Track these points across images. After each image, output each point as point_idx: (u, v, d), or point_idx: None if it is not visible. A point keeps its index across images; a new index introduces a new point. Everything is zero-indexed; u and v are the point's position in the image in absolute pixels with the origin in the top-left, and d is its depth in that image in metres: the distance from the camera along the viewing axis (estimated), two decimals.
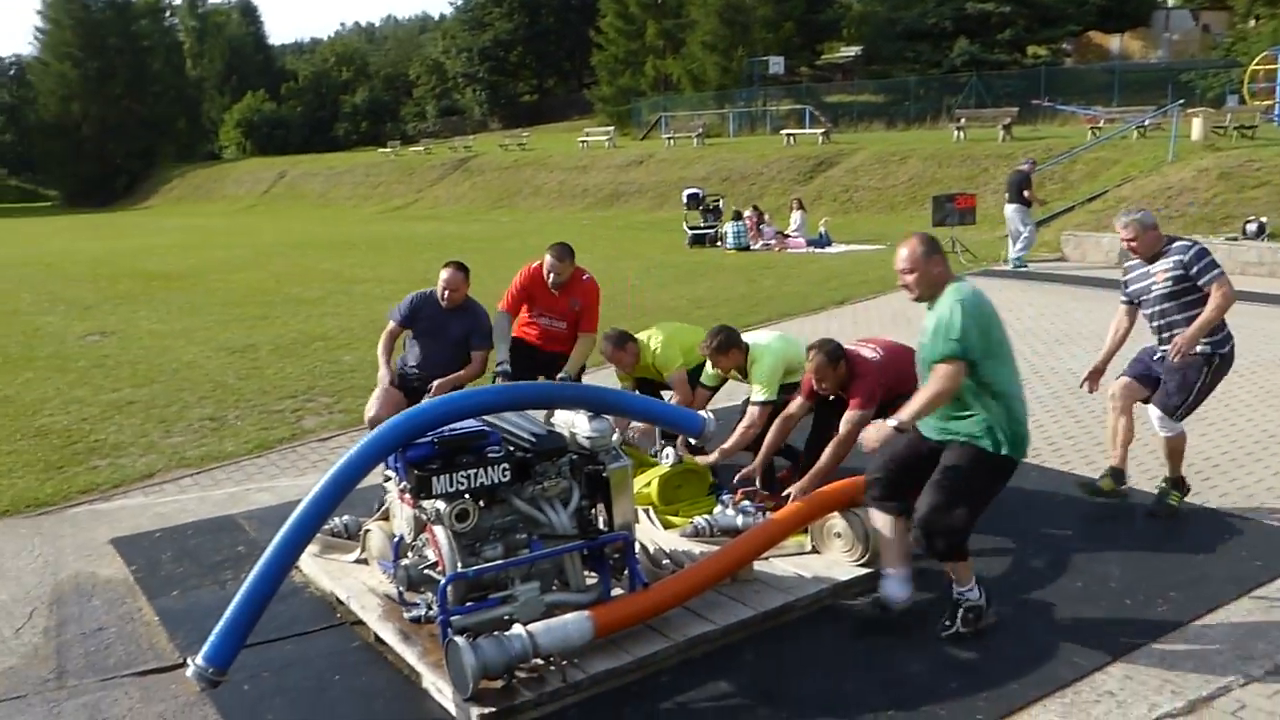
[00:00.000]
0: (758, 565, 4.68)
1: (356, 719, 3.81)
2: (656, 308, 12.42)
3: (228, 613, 3.80)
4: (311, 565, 4.95)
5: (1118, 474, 5.50)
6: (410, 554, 4.29)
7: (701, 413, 4.81)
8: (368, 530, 4.83)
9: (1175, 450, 5.32)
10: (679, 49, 48.16)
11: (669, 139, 36.66)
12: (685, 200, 21.78)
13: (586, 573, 4.32)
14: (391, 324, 6.20)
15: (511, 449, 4.16)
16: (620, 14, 51.06)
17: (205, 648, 3.74)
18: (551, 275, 6.18)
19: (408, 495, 4.14)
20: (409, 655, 4.07)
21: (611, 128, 42.45)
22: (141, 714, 3.84)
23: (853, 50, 53.02)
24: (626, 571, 4.30)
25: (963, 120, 28.36)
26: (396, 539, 4.39)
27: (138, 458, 7.08)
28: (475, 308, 6.19)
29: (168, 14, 77.32)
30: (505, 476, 4.05)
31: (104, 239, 30.86)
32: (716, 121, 40.95)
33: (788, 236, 19.87)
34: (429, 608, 4.20)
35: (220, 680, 3.74)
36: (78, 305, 14.94)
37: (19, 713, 3.87)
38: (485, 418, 4.36)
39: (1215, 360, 5.18)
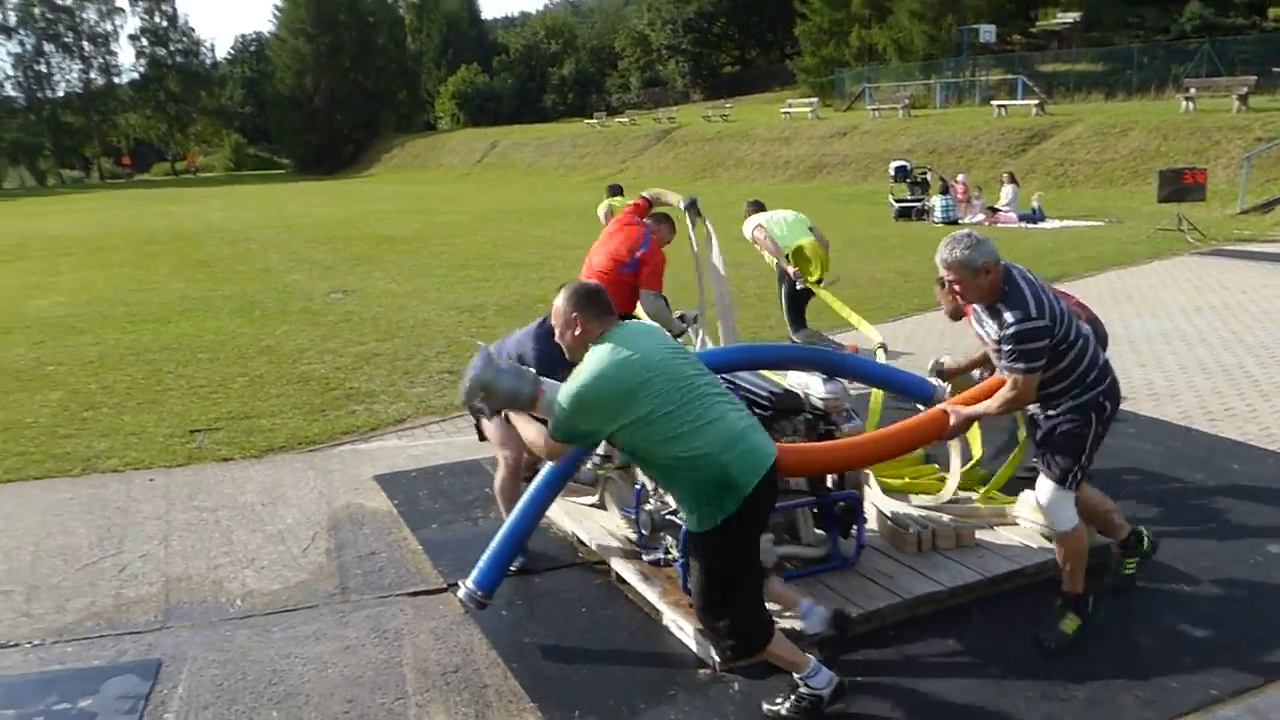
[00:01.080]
0: (982, 534, 4.78)
1: (603, 646, 4.16)
2: (866, 280, 12.42)
3: (493, 543, 4.25)
4: (553, 507, 5.35)
5: (1130, 544, 4.29)
6: (652, 500, 4.61)
7: (933, 380, 4.91)
8: (608, 477, 5.18)
9: (1074, 552, 3.98)
10: (885, 18, 46.90)
11: (874, 110, 35.96)
12: (892, 173, 21.42)
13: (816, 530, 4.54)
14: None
15: (751, 406, 4.40)
16: None
17: (474, 574, 4.20)
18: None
19: None
20: (649, 594, 4.39)
21: (815, 99, 42.00)
22: (415, 628, 4.31)
23: (1071, 16, 50.27)
24: (854, 529, 4.49)
25: (1192, 90, 26.48)
26: (639, 486, 4.73)
27: (388, 404, 7.76)
28: None
29: None
30: None
31: (333, 204, 33.05)
32: (922, 93, 39.83)
33: (998, 211, 19.30)
34: (668, 551, 4.54)
35: (486, 603, 4.20)
36: (319, 265, 16.20)
37: (314, 619, 4.43)
38: (727, 375, 4.63)
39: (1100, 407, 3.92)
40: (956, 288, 3.77)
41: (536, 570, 4.81)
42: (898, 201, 20.66)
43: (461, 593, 4.21)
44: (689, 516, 3.37)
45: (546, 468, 4.27)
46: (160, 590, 4.71)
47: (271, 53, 78.64)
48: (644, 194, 6.77)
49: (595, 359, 3.28)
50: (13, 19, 78.53)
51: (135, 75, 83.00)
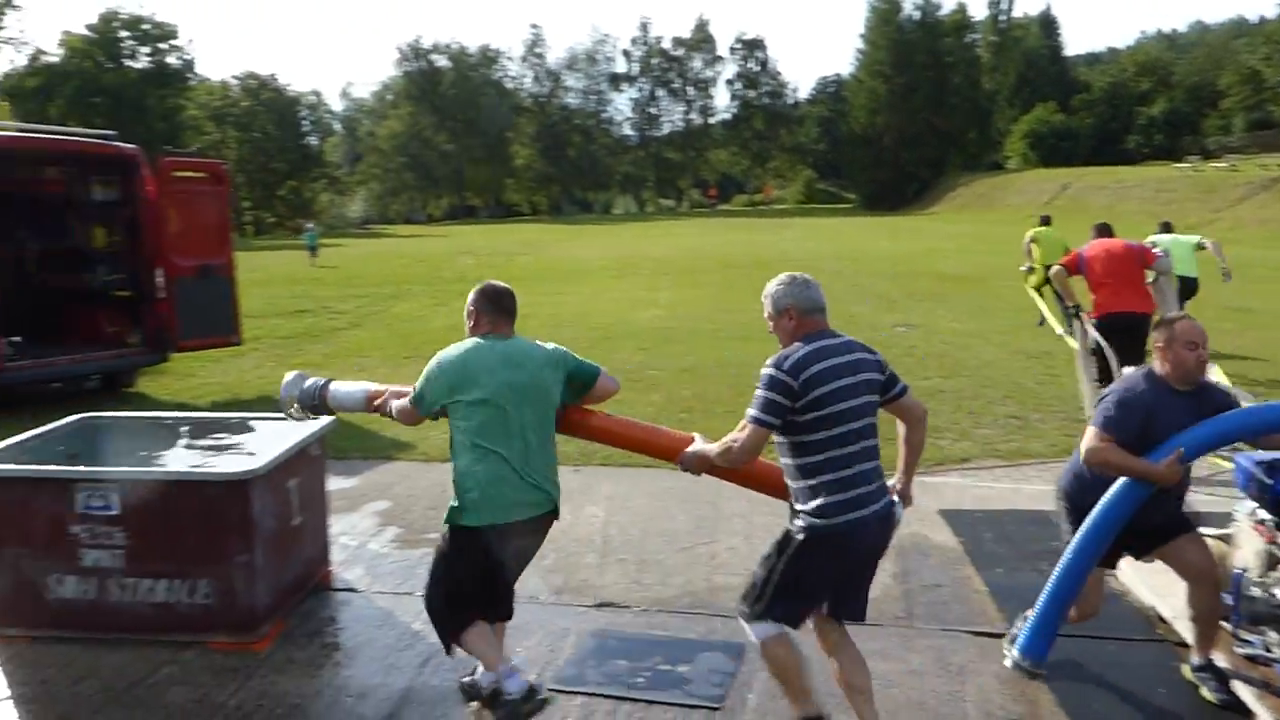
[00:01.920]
0: None
1: None
2: None
3: (1037, 608, 4.13)
4: (1131, 575, 5.05)
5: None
6: (1257, 588, 4.17)
7: None
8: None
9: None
10: None
11: None
12: None
13: None
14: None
15: None
16: None
17: (1020, 639, 4.13)
18: None
19: (1265, 526, 4.04)
20: (1241, 690, 3.99)
21: None
22: (979, 668, 4.32)
23: None
24: None
25: None
26: (1239, 571, 4.30)
27: (954, 442, 7.82)
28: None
29: (970, 30, 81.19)
30: None
31: (896, 240, 33.73)
32: None
33: None
34: (1268, 649, 4.08)
35: (1038, 674, 4.10)
36: (884, 298, 16.69)
37: (879, 638, 4.61)
38: None
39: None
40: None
41: (1109, 637, 4.58)
42: None
43: (1008, 662, 4.17)
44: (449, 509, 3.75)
45: (1089, 520, 4.02)
46: (743, 581, 5.21)
47: (849, 93, 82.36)
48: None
49: (457, 345, 3.78)
50: (635, 69, 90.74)
51: (727, 116, 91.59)
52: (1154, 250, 8.20)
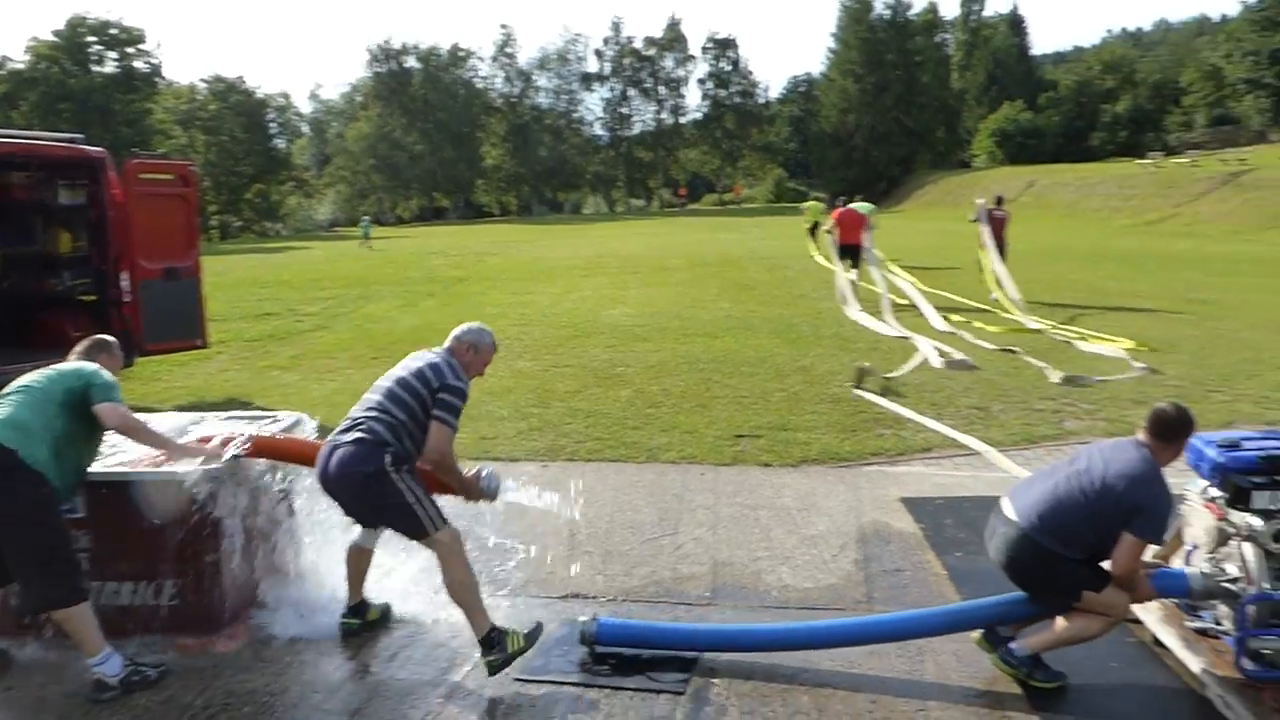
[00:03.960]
0: None
1: (1135, 707, 3.97)
2: None
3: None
4: None
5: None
6: (1206, 563, 4.29)
7: None
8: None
9: None
10: None
11: None
12: None
13: None
14: None
15: None
16: None
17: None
18: None
19: (1216, 504, 4.16)
20: (1192, 662, 4.10)
21: None
22: (939, 647, 4.40)
23: None
24: None
25: None
26: (1189, 546, 4.42)
27: (916, 432, 7.94)
28: None
29: (941, 29, 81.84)
30: None
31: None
32: None
33: None
34: (1217, 621, 4.21)
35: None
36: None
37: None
38: None
39: None
40: None
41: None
42: None
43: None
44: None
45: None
46: (709, 571, 5.30)
47: (820, 92, 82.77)
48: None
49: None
50: (607, 69, 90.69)
51: (699, 115, 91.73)
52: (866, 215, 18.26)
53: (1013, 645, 4.13)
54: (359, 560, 4.65)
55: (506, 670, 4.13)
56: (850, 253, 17.36)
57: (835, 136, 76.08)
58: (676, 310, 15.31)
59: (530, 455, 7.49)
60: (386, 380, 4.41)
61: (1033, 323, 13.16)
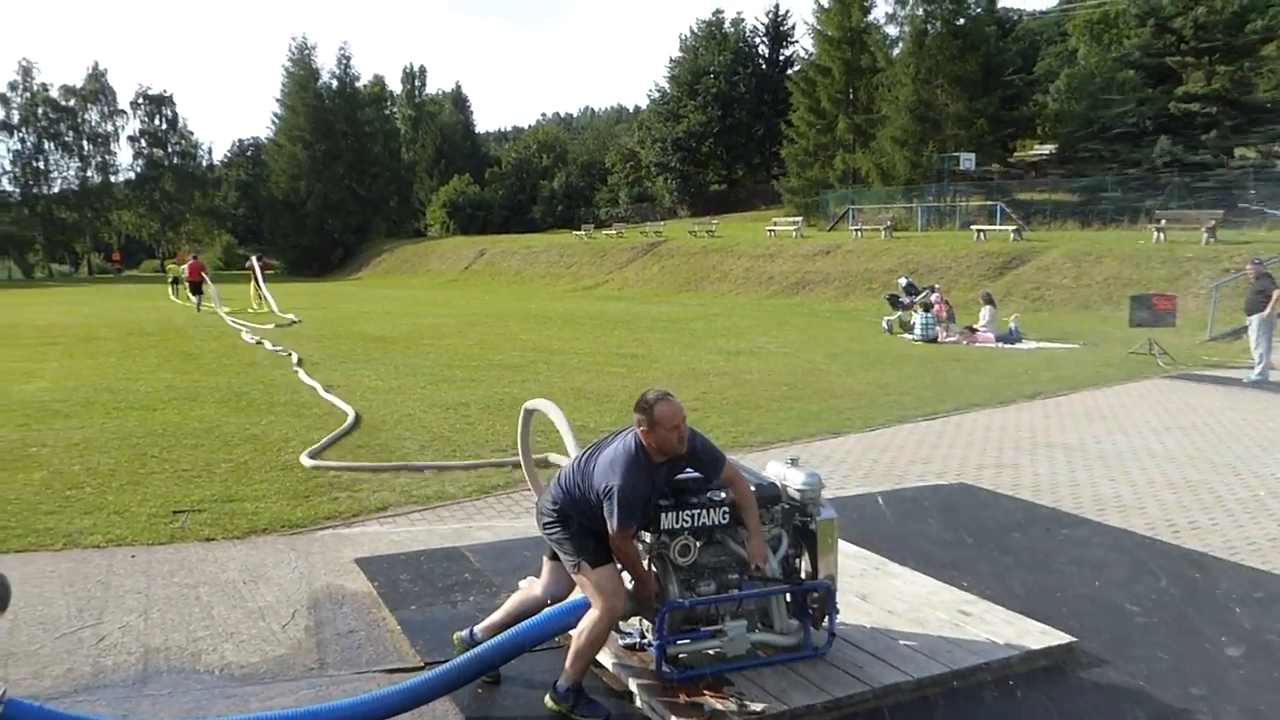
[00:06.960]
0: (949, 630, 4.89)
1: None
2: (844, 392, 12.66)
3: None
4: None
5: None
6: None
7: None
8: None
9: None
10: (868, 143, 48.62)
11: (856, 231, 36.93)
12: (904, 288, 22.30)
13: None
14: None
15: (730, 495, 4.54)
16: (811, 109, 52.10)
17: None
18: None
19: None
20: (623, 675, 4.46)
21: (800, 218, 43.16)
22: None
23: (1047, 149, 52.19)
24: (825, 620, 4.59)
25: (1163, 222, 27.43)
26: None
27: (372, 492, 7.85)
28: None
29: (389, 103, 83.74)
30: (725, 519, 4.44)
31: (320, 305, 33.38)
32: (904, 215, 41.03)
33: (976, 331, 19.73)
34: (643, 635, 4.63)
35: None
36: (307, 361, 16.34)
37: (292, 692, 4.46)
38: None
39: None
40: None
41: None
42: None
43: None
44: None
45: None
46: (139, 659, 4.75)
47: (268, 157, 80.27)
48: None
49: None
50: (15, 117, 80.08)
51: (132, 174, 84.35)
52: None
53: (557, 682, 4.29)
54: None
55: None
56: (195, 288, 31.65)
57: (287, 202, 74.25)
58: (107, 383, 13.77)
59: None
60: None
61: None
